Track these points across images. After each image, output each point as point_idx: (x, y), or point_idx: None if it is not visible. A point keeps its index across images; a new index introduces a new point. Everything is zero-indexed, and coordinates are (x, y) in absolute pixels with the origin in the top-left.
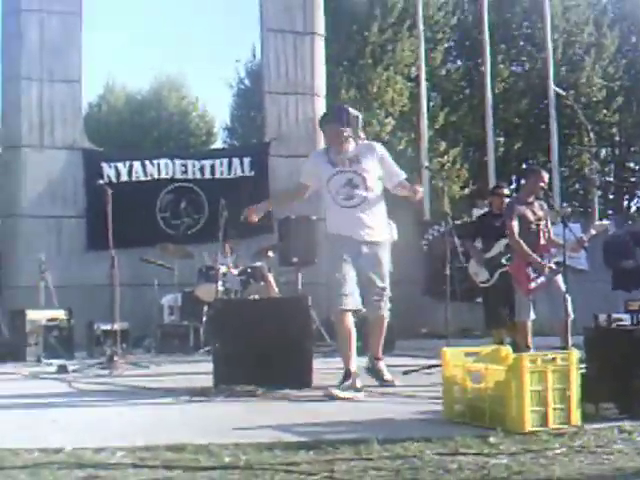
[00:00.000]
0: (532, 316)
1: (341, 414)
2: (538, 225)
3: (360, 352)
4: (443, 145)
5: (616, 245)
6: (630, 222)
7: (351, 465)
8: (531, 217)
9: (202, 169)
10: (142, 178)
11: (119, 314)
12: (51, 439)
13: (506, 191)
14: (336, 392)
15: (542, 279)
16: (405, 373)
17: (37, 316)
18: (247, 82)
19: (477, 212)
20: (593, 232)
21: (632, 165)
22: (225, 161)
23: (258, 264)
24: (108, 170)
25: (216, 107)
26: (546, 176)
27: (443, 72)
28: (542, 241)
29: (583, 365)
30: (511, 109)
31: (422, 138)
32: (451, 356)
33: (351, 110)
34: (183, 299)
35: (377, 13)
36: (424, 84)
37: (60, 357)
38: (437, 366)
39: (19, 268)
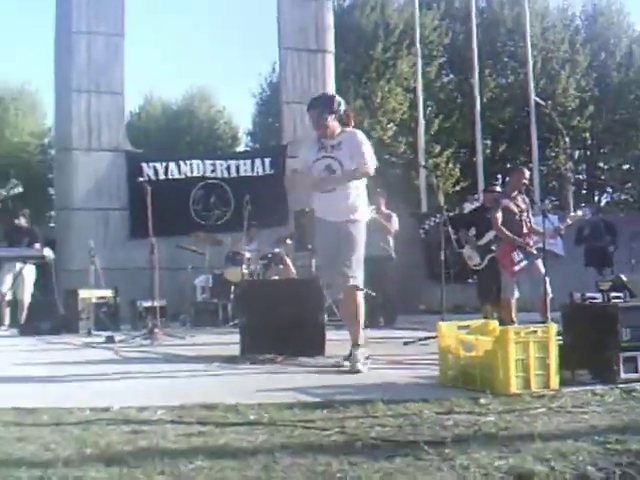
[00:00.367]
0: (516, 295)
1: (350, 379)
2: (521, 216)
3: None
4: (438, 147)
5: (590, 228)
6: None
7: (360, 422)
8: (515, 209)
9: (228, 168)
10: (177, 176)
11: (158, 293)
12: (100, 399)
13: (497, 189)
14: (359, 367)
15: (525, 263)
16: (405, 344)
17: (88, 295)
18: (268, 93)
19: (468, 205)
20: (569, 222)
21: (602, 165)
22: (248, 161)
23: (277, 250)
24: (147, 169)
25: (240, 115)
26: (527, 174)
27: (437, 84)
28: (524, 230)
29: (560, 337)
30: (497, 116)
31: (419, 141)
32: (446, 329)
33: (337, 99)
34: (213, 280)
35: (380, 34)
36: (421, 95)
37: (108, 329)
38: (433, 338)
39: (72, 254)
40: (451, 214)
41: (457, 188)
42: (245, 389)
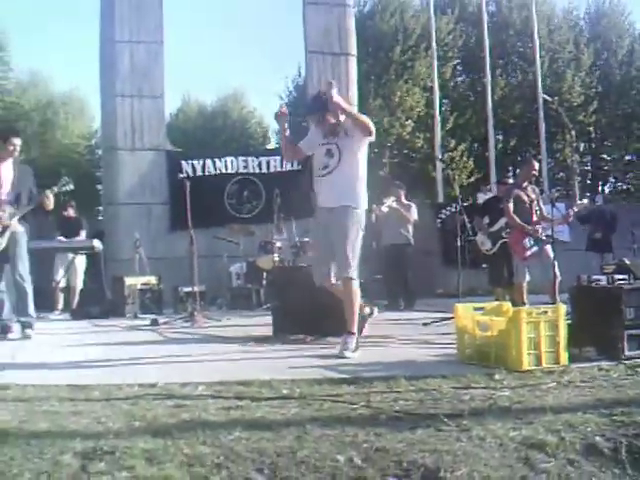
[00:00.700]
0: (527, 278)
1: (374, 357)
2: (531, 205)
3: None
4: (453, 142)
5: (595, 215)
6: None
7: (384, 396)
8: (526, 199)
9: (260, 165)
10: (213, 172)
11: (197, 279)
12: (147, 376)
13: (509, 181)
14: (346, 353)
15: (535, 248)
16: (425, 324)
17: (133, 281)
18: (294, 94)
19: (481, 196)
20: (575, 209)
21: (605, 156)
22: (278, 158)
23: (306, 239)
24: (186, 167)
25: (270, 115)
26: (537, 165)
27: (452, 84)
28: (534, 218)
29: (569, 317)
30: (507, 112)
31: (436, 137)
32: (462, 310)
33: (324, 95)
34: (247, 267)
35: (399, 38)
36: (437, 93)
37: (152, 313)
38: (450, 319)
39: (119, 244)
40: (465, 204)
41: (471, 180)
42: (278, 366)
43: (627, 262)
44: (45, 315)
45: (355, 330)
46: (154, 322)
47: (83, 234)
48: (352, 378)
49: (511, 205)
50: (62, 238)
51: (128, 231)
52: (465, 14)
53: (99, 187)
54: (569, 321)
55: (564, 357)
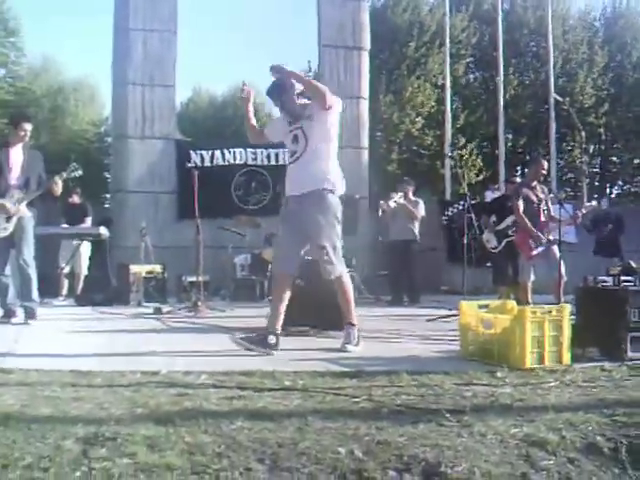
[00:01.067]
0: (532, 278)
1: (376, 351)
2: (539, 205)
3: None
4: (463, 140)
5: (603, 219)
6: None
7: (385, 391)
8: (534, 198)
9: (268, 156)
10: (221, 163)
11: (202, 269)
12: (150, 364)
13: (517, 180)
14: (348, 347)
15: (541, 248)
16: (428, 321)
17: (138, 269)
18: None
19: (489, 194)
20: (584, 211)
21: (614, 159)
22: (287, 150)
23: None
24: (195, 156)
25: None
26: (545, 164)
27: (464, 81)
28: (542, 218)
29: (573, 317)
30: (518, 112)
31: (446, 134)
32: (467, 307)
33: (289, 82)
34: (252, 259)
35: (414, 33)
36: (448, 91)
37: (156, 301)
38: (454, 316)
39: (125, 232)
40: (473, 202)
41: (479, 178)
42: (280, 358)
43: (633, 264)
44: (49, 301)
45: (355, 321)
46: (157, 311)
47: (88, 221)
48: (354, 372)
49: (521, 204)
50: (65, 225)
51: (135, 219)
52: (479, 12)
53: (107, 175)
54: (573, 321)
55: (567, 357)
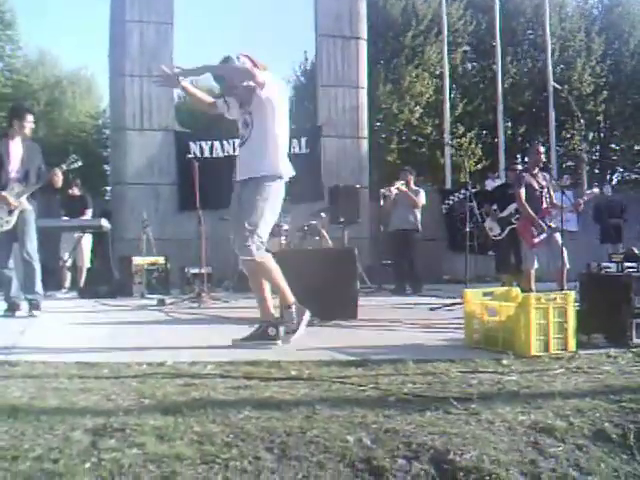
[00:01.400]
0: (535, 265)
1: (381, 340)
2: (542, 192)
3: None
4: (462, 129)
5: (609, 206)
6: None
7: (392, 379)
8: (536, 186)
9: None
10: (220, 154)
11: (204, 261)
12: (155, 355)
13: (519, 167)
14: (298, 327)
15: (543, 236)
16: (432, 309)
17: (141, 261)
18: (301, 78)
19: (489, 182)
20: (585, 198)
21: (614, 146)
22: None
23: (314, 222)
24: (194, 148)
25: None
26: (542, 148)
27: (461, 70)
28: (544, 205)
29: (577, 303)
30: (517, 100)
31: (445, 123)
32: (471, 295)
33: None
34: None
35: (411, 23)
36: (447, 80)
37: (159, 293)
38: (457, 304)
39: (126, 224)
40: (474, 190)
41: (479, 167)
42: (286, 348)
43: (636, 251)
44: (52, 293)
45: (292, 300)
46: (161, 302)
47: (89, 213)
48: (360, 360)
49: (523, 191)
50: (65, 217)
51: (135, 211)
52: (475, 0)
53: (106, 167)
54: (578, 308)
55: (572, 343)
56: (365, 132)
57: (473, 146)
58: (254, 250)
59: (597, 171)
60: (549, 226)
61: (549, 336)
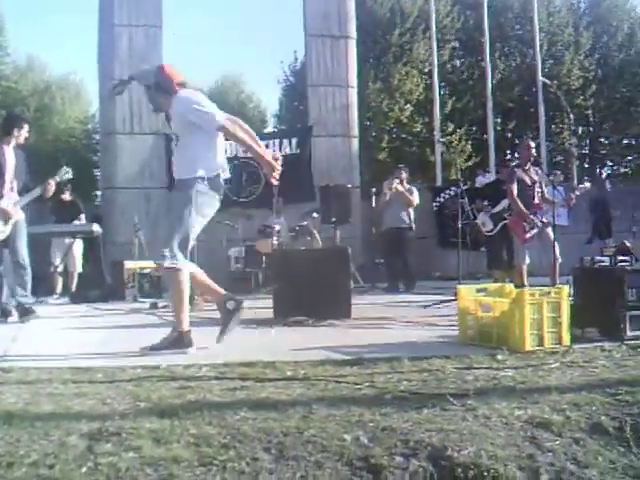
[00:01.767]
0: (527, 260)
1: (376, 338)
2: (533, 188)
3: None
4: (451, 126)
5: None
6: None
7: (388, 377)
8: (528, 181)
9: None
10: None
11: (196, 263)
12: (149, 358)
13: (512, 163)
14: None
15: (535, 231)
16: (425, 307)
17: (132, 265)
18: (291, 78)
19: (480, 179)
20: (577, 193)
21: (603, 140)
22: (277, 141)
23: (305, 223)
24: None
25: (267, 99)
26: (532, 143)
27: (450, 67)
28: (536, 200)
29: (571, 298)
30: (506, 96)
31: (435, 121)
32: (465, 292)
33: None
34: (246, 251)
35: (397, 20)
36: (436, 77)
37: (151, 297)
38: (449, 301)
39: (117, 229)
40: (465, 187)
41: (469, 163)
42: (280, 348)
43: (628, 244)
44: (44, 299)
45: (183, 328)
46: (153, 306)
47: (83, 218)
48: (355, 359)
49: (514, 187)
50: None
51: (126, 215)
52: None
53: (96, 172)
54: (571, 302)
55: (566, 338)
56: (356, 131)
57: (463, 143)
58: (170, 257)
59: (587, 165)
60: (541, 221)
61: (543, 331)
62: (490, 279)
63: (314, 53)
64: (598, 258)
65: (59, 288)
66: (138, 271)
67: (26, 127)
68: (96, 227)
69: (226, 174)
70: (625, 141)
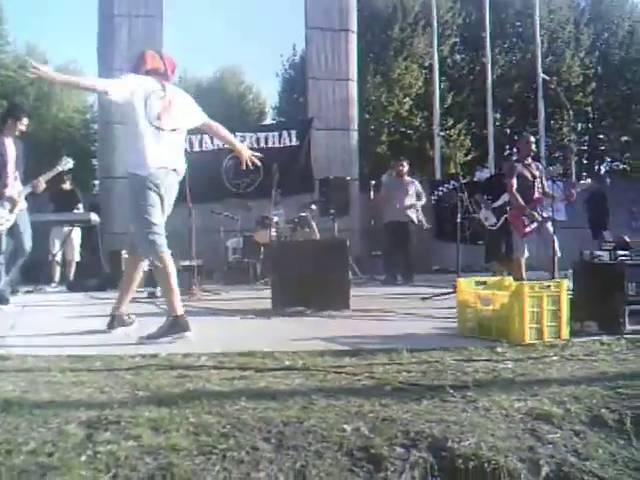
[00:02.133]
0: (526, 254)
1: (374, 329)
2: (534, 182)
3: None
4: (451, 121)
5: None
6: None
7: (387, 368)
8: (529, 176)
9: (258, 140)
10: (210, 148)
11: (195, 253)
12: (148, 347)
13: (514, 157)
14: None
15: (534, 225)
16: (423, 299)
17: None
18: (290, 71)
19: (479, 173)
20: (579, 189)
21: (602, 137)
22: (276, 133)
23: (304, 214)
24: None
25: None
26: (532, 138)
27: (450, 62)
28: (536, 195)
29: (570, 291)
30: (506, 91)
31: (434, 115)
32: (464, 284)
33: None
34: (244, 242)
35: (398, 15)
36: (436, 71)
37: (150, 286)
38: (448, 293)
39: (115, 218)
40: (464, 181)
41: (468, 158)
42: (279, 338)
43: (627, 239)
44: (42, 287)
45: (177, 312)
46: (152, 295)
47: (80, 207)
48: (354, 350)
49: (514, 181)
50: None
51: (124, 205)
52: None
53: (94, 161)
54: (571, 296)
55: (566, 331)
56: (355, 124)
57: (462, 138)
58: (141, 248)
59: (586, 161)
60: (542, 216)
61: (543, 324)
62: (488, 272)
63: (314, 46)
64: (597, 252)
65: (57, 277)
66: None
67: (26, 119)
68: (94, 216)
69: None
70: (624, 138)
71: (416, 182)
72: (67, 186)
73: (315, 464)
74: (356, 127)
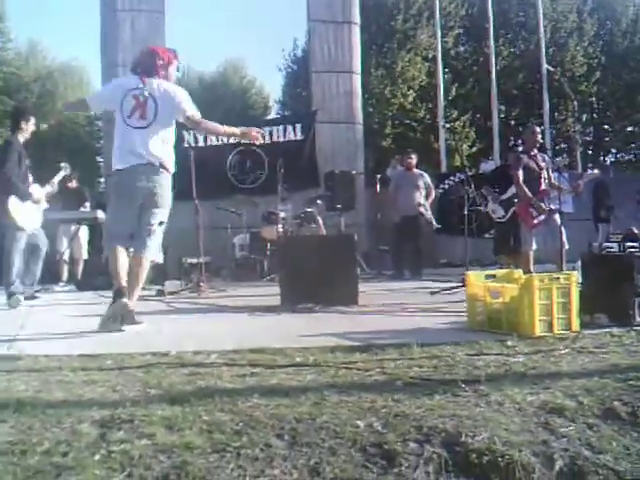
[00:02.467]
0: (534, 247)
1: (384, 325)
2: (540, 174)
3: None
4: (455, 113)
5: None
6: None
7: (398, 363)
8: (535, 167)
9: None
10: (215, 143)
11: (202, 250)
12: (159, 345)
13: (520, 149)
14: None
15: (542, 217)
16: (432, 293)
17: None
18: (293, 65)
19: (483, 166)
20: (586, 180)
21: (607, 127)
22: (281, 128)
23: (310, 210)
24: (188, 137)
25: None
26: (538, 129)
27: (454, 53)
28: (543, 186)
29: (580, 284)
30: (510, 82)
31: (438, 107)
32: (473, 278)
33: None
34: (250, 238)
35: (401, 6)
36: (439, 63)
37: (157, 284)
38: (457, 287)
39: None
40: (470, 173)
41: (473, 150)
42: (289, 335)
43: (635, 231)
44: (50, 287)
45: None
46: (160, 292)
47: (87, 205)
48: (364, 346)
49: (520, 174)
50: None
51: None
52: None
53: (99, 158)
54: (580, 288)
55: (576, 323)
56: (360, 117)
57: (467, 129)
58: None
59: (590, 152)
60: (549, 207)
61: (553, 316)
62: (496, 265)
63: (317, 39)
64: (606, 244)
65: (65, 275)
66: None
67: (33, 118)
68: (100, 214)
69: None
70: (629, 128)
71: (425, 175)
72: (73, 184)
73: (329, 460)
74: (361, 120)
